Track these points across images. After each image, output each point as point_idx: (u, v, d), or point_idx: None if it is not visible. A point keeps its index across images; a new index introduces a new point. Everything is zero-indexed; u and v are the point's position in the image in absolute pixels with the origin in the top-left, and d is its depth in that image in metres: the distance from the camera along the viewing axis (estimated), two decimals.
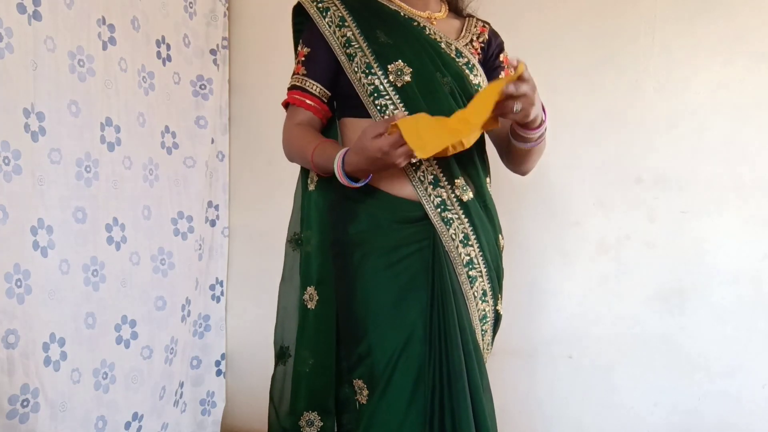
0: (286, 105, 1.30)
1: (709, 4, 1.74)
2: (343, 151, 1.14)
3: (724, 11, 1.73)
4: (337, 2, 1.24)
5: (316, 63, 1.25)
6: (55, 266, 1.56)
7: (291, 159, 1.30)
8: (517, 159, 1.29)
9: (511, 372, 1.93)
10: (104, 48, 1.69)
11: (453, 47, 1.23)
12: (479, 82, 1.25)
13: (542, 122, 1.15)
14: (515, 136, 1.20)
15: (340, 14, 1.23)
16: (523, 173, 1.35)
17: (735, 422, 1.79)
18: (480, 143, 1.24)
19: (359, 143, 1.09)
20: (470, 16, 1.36)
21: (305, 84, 1.25)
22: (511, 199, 1.81)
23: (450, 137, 1.05)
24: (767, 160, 1.73)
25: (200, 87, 2.10)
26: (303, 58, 1.26)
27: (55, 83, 1.54)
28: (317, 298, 1.28)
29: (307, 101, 1.25)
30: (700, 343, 1.81)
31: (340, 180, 1.14)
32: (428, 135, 1.05)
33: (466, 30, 1.32)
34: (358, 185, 1.14)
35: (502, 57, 1.35)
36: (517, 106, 1.04)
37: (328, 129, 1.33)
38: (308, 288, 1.30)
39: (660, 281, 1.83)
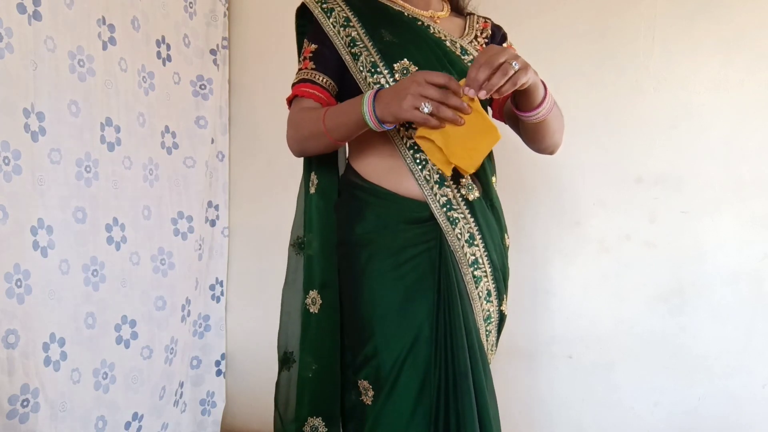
0: (290, 101, 1.25)
1: (709, 4, 1.74)
2: (375, 88, 1.10)
3: (724, 11, 1.73)
4: (341, 3, 1.23)
5: (324, 58, 1.22)
6: (55, 266, 1.56)
7: (300, 146, 1.23)
8: (532, 135, 1.25)
9: (511, 372, 1.93)
10: (104, 48, 1.69)
11: (458, 45, 1.23)
12: None
13: (543, 98, 1.12)
14: (520, 110, 1.17)
15: (344, 14, 1.22)
16: (548, 151, 1.31)
17: (735, 422, 1.79)
18: None
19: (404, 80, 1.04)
20: (471, 14, 1.36)
21: (315, 77, 1.21)
22: (511, 199, 1.81)
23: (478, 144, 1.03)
24: (767, 160, 1.73)
25: (200, 87, 2.10)
26: (310, 54, 1.23)
27: (55, 83, 1.54)
28: (320, 302, 1.27)
29: (317, 93, 1.21)
30: (700, 343, 1.81)
31: (367, 118, 1.07)
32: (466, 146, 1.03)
33: (469, 27, 1.31)
34: (384, 128, 1.08)
35: (505, 45, 1.33)
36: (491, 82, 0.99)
37: None
38: (311, 292, 1.28)
39: (660, 281, 1.83)
